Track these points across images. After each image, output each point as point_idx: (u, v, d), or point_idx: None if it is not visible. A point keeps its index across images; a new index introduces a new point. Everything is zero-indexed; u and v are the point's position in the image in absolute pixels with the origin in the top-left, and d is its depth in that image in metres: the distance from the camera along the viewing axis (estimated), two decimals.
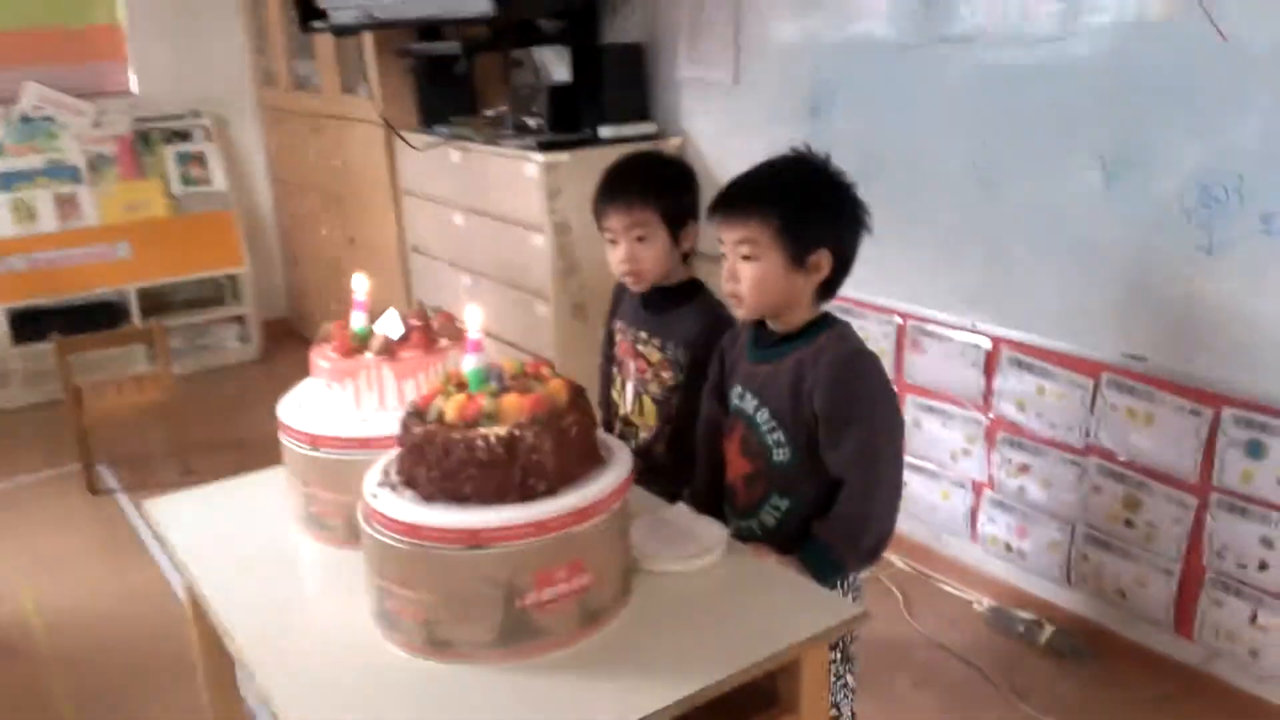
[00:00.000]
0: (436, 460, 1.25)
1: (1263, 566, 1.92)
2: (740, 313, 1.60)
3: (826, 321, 1.56)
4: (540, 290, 3.02)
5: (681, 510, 1.57)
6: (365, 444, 1.49)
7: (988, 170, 2.24)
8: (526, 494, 1.25)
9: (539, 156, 2.87)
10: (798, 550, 1.53)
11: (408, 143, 3.40)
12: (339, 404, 1.54)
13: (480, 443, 1.23)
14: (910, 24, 2.36)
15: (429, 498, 1.26)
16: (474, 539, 1.21)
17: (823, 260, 1.51)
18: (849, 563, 1.52)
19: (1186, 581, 2.06)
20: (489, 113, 3.72)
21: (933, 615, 2.49)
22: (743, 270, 1.53)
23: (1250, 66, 1.76)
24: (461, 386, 1.34)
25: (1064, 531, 2.28)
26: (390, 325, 1.62)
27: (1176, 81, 1.87)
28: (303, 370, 1.61)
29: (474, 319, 1.31)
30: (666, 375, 1.91)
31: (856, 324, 2.60)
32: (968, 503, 2.49)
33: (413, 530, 1.23)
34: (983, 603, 2.48)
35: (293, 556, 1.56)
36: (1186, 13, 1.82)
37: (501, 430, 1.24)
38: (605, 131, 3.01)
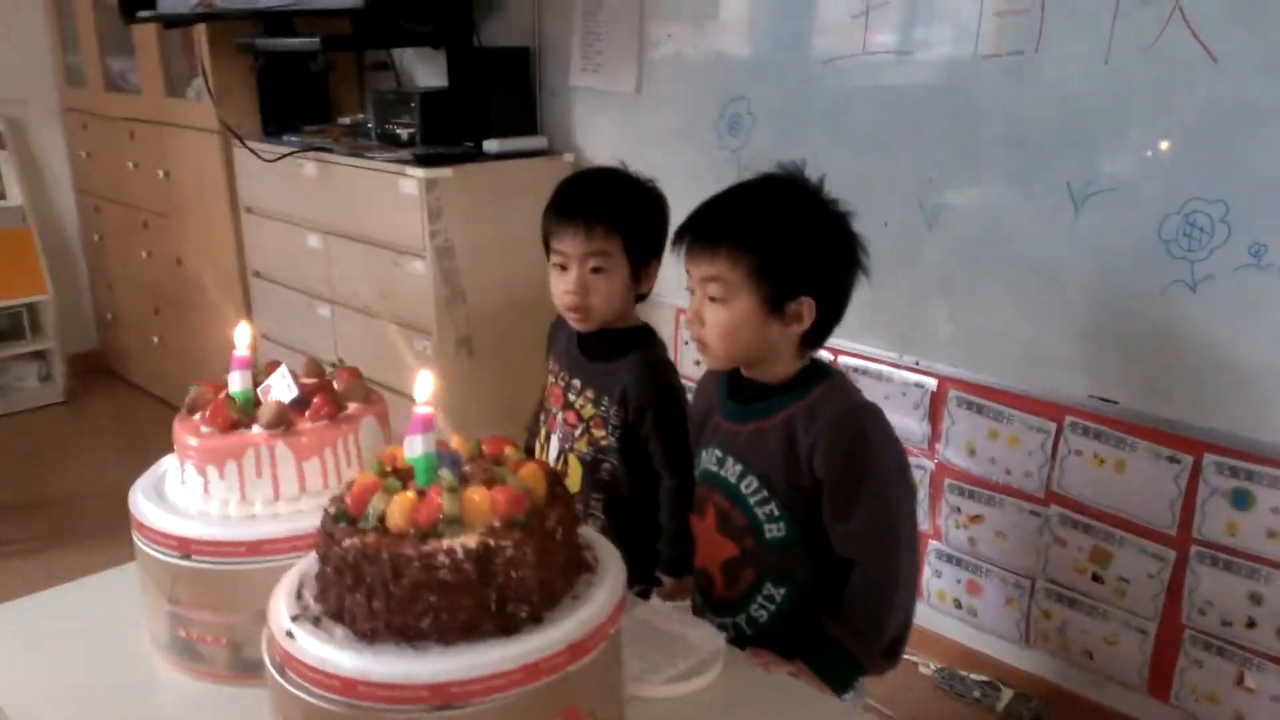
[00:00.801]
0: (381, 585, 0.93)
1: (1250, 624, 1.81)
2: (708, 361, 1.35)
3: (818, 371, 1.33)
4: (420, 323, 2.68)
5: (660, 609, 1.30)
6: (256, 549, 1.16)
7: (936, 197, 2.08)
8: (506, 626, 0.95)
9: (418, 172, 2.54)
10: (801, 651, 1.29)
11: (255, 153, 2.99)
12: (217, 495, 1.19)
13: (443, 559, 0.92)
14: (841, 33, 2.17)
15: (369, 636, 0.94)
16: (441, 696, 0.90)
17: (804, 309, 1.28)
18: (870, 665, 1.28)
19: (1163, 640, 1.94)
20: (344, 120, 3.34)
21: (877, 679, 2.28)
22: (709, 313, 1.29)
23: (1239, 87, 1.65)
24: (401, 475, 1.02)
25: (1021, 587, 2.13)
26: (281, 387, 1.28)
27: (1157, 103, 1.75)
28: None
29: (423, 387, 1.00)
30: (599, 434, 1.64)
31: None
32: None
33: (350, 686, 0.91)
34: (930, 665, 2.30)
35: (156, 699, 1.20)
36: (1171, 32, 1.70)
37: (470, 540, 0.94)
38: (490, 145, 2.71)
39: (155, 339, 4.02)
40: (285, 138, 3.14)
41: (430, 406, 0.99)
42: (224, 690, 1.18)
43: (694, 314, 1.30)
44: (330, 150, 2.87)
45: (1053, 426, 2.01)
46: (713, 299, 1.28)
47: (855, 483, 1.25)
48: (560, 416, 1.69)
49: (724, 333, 1.28)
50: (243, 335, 1.26)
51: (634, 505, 1.63)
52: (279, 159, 2.92)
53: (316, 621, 0.97)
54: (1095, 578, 2.01)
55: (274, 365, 1.34)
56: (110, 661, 1.25)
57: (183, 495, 1.22)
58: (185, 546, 1.16)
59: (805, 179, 1.33)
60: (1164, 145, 1.76)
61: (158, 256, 3.89)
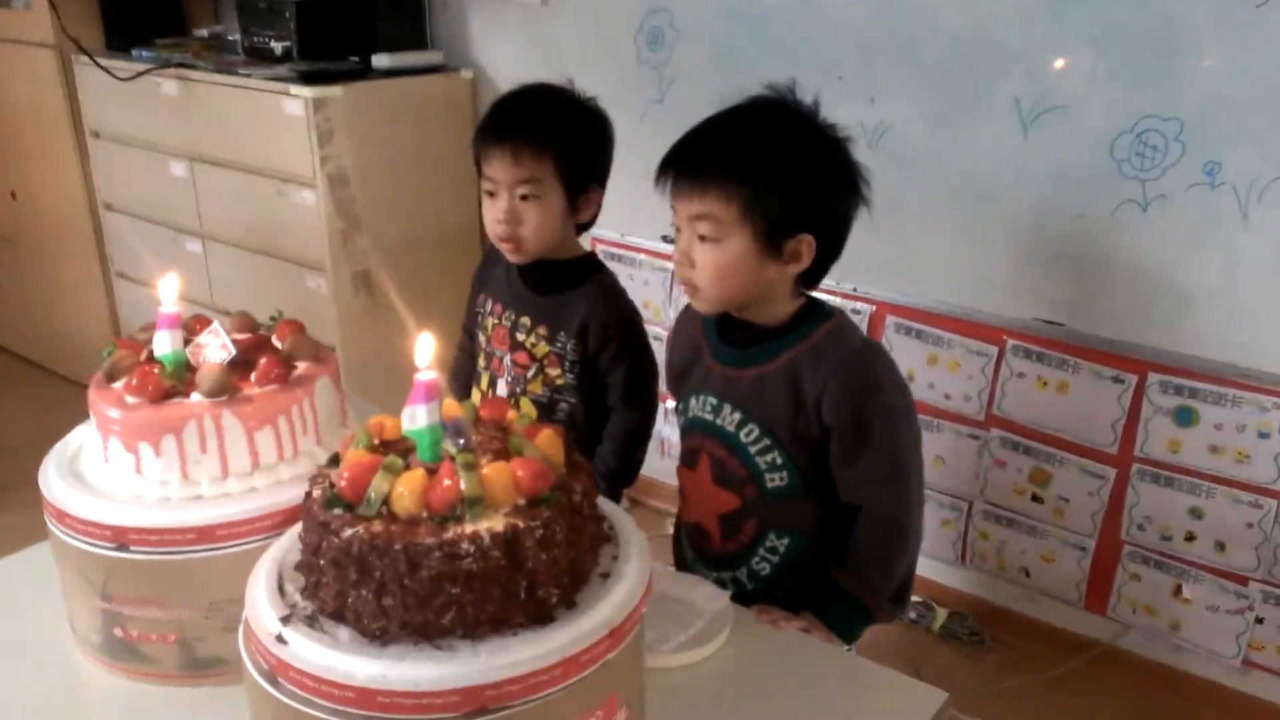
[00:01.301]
0: (395, 578, 0.81)
1: (1190, 538, 1.87)
2: (698, 305, 1.25)
3: (817, 311, 1.26)
4: (311, 259, 2.48)
5: (657, 570, 1.22)
6: (207, 535, 1.02)
7: (876, 116, 2.01)
8: (538, 615, 0.85)
9: (305, 90, 2.31)
10: (807, 602, 1.23)
11: (108, 72, 2.66)
12: (153, 475, 1.03)
13: (467, 546, 0.81)
14: None
15: (379, 636, 0.82)
16: (474, 700, 0.80)
17: (802, 246, 1.19)
18: (879, 612, 1.24)
19: (1101, 556, 1.99)
20: (201, 33, 3.03)
21: None
22: (699, 254, 1.19)
23: (1200, 2, 1.63)
24: (395, 448, 0.90)
25: (959, 509, 2.15)
26: (215, 347, 1.12)
27: (1111, 19, 1.72)
28: None
29: (424, 350, 0.87)
30: (554, 372, 1.53)
31: None
32: None
33: (368, 697, 0.79)
34: None
35: (92, 710, 1.05)
36: None
37: (496, 523, 0.82)
38: (380, 61, 2.49)
39: None
40: (134, 52, 2.82)
41: (434, 371, 0.86)
42: (173, 692, 1.05)
43: (683, 255, 1.20)
44: (194, 67, 2.59)
45: (994, 350, 2.00)
46: (703, 238, 1.18)
47: (865, 427, 1.19)
48: (507, 359, 1.57)
49: (717, 275, 1.18)
50: (169, 288, 1.08)
51: (593, 444, 1.54)
52: (135, 77, 2.62)
53: (311, 622, 0.85)
54: (1034, 498, 2.04)
55: (202, 321, 1.17)
56: (31, 669, 1.09)
57: (108, 476, 1.06)
58: (121, 536, 1.01)
59: (799, 102, 1.23)
60: (1117, 62, 1.73)
61: None
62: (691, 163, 1.20)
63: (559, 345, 1.52)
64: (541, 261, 1.51)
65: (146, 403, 1.04)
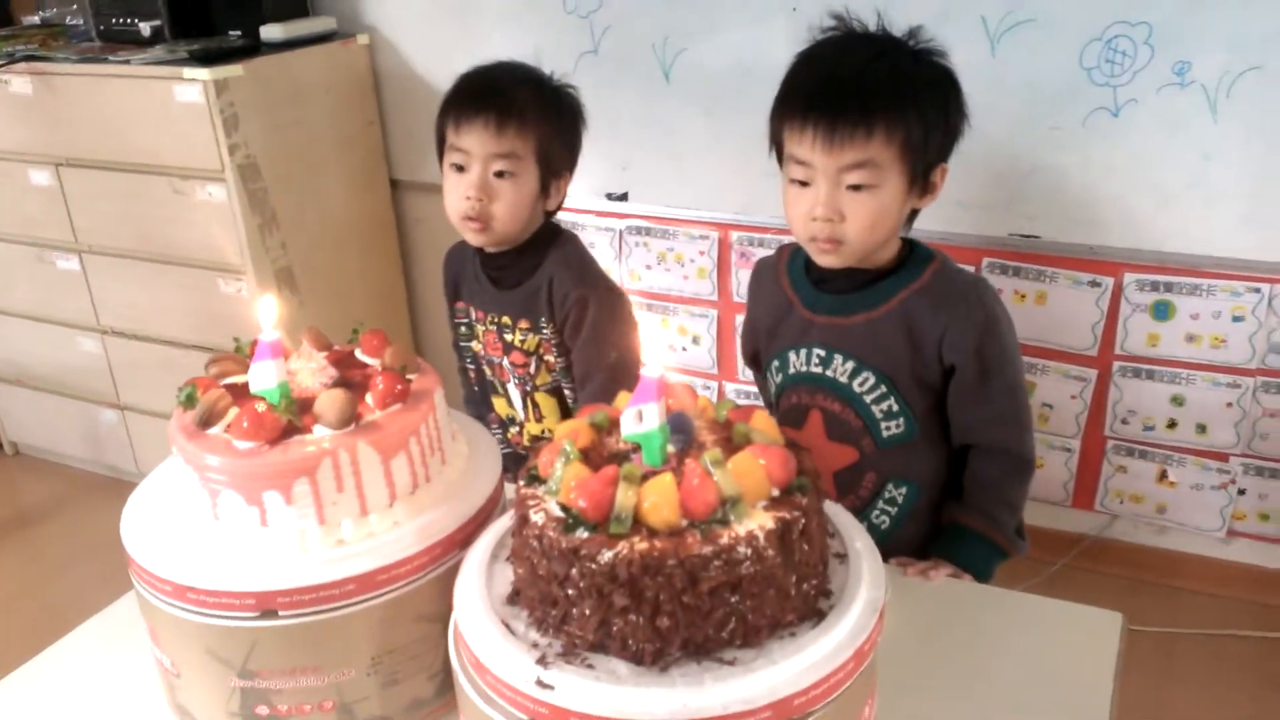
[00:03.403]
0: (672, 597, 0.75)
1: (1172, 425, 1.98)
2: (835, 260, 1.18)
3: (920, 250, 1.25)
4: (225, 262, 2.27)
5: None
6: (369, 584, 0.92)
7: None
8: (806, 611, 0.81)
9: (201, 73, 2.09)
10: (929, 553, 1.23)
11: None
12: (285, 527, 0.92)
13: (744, 549, 0.76)
14: None
15: (656, 660, 0.76)
16: (784, 712, 0.75)
17: (939, 176, 1.20)
18: (1010, 549, 1.24)
19: (1086, 454, 2.08)
20: (33, 20, 2.70)
21: None
22: (852, 205, 1.14)
23: None
24: (599, 454, 0.83)
25: None
26: (309, 371, 1.00)
27: None
28: None
29: (654, 344, 0.80)
30: (551, 359, 1.46)
31: (664, 244, 2.29)
32: None
33: None
34: None
35: None
36: None
37: (764, 519, 0.77)
38: (272, 32, 2.28)
39: None
40: None
41: (660, 367, 0.79)
42: None
43: (831, 209, 1.13)
44: (48, 59, 2.30)
45: (970, 270, 2.05)
46: (858, 187, 1.12)
47: (989, 364, 1.18)
48: (506, 362, 1.49)
49: (872, 224, 1.14)
50: (268, 311, 0.95)
51: None
52: None
53: (569, 659, 0.77)
54: None
55: (275, 346, 1.04)
56: None
57: (225, 535, 0.93)
58: (268, 602, 0.89)
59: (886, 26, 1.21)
60: None
61: None
62: (850, 105, 1.11)
63: (544, 331, 1.45)
64: (502, 254, 1.44)
65: (265, 445, 0.91)
